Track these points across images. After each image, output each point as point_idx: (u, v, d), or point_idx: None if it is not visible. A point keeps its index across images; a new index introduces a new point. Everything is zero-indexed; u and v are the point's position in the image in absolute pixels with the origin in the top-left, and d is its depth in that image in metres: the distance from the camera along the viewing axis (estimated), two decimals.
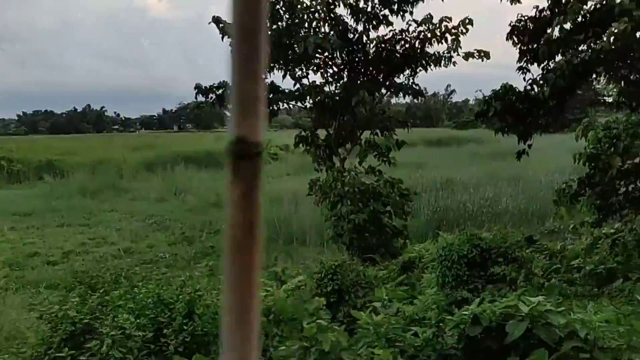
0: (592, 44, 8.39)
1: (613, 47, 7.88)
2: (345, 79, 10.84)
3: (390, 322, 5.04)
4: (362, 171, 11.18)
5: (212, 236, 20.71)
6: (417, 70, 11.19)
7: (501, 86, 9.88)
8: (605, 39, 7.85)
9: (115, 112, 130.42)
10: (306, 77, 11.18)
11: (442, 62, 11.09)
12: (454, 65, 11.23)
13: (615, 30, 7.60)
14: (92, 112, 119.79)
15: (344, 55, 10.78)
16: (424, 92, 11.51)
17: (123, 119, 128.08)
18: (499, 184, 25.07)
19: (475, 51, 11.20)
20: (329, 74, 10.93)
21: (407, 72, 11.30)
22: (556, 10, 9.07)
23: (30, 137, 79.07)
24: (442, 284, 7.94)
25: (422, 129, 62.43)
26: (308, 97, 10.96)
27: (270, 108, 11.06)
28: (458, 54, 11.08)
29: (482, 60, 11.22)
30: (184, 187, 30.92)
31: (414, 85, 11.23)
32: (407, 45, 10.82)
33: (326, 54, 10.58)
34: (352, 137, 11.33)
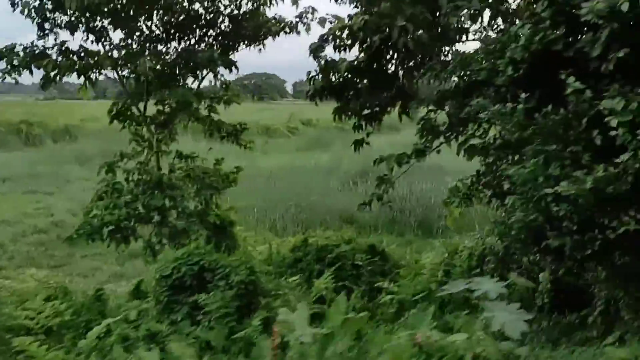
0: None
1: None
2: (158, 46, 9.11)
3: None
4: (185, 156, 9.48)
5: None
6: (260, 38, 9.22)
7: (327, 60, 7.82)
8: None
9: None
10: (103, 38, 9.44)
11: (292, 29, 9.07)
12: (307, 33, 9.18)
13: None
14: None
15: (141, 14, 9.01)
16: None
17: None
18: None
19: (330, 16, 9.03)
20: (140, 38, 9.24)
21: (258, 41, 9.35)
22: None
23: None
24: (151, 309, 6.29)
25: None
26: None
27: (85, 75, 9.56)
28: (312, 20, 9.02)
29: None
30: None
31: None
32: (232, 6, 8.86)
33: (131, 12, 8.88)
34: (175, 115, 9.61)
